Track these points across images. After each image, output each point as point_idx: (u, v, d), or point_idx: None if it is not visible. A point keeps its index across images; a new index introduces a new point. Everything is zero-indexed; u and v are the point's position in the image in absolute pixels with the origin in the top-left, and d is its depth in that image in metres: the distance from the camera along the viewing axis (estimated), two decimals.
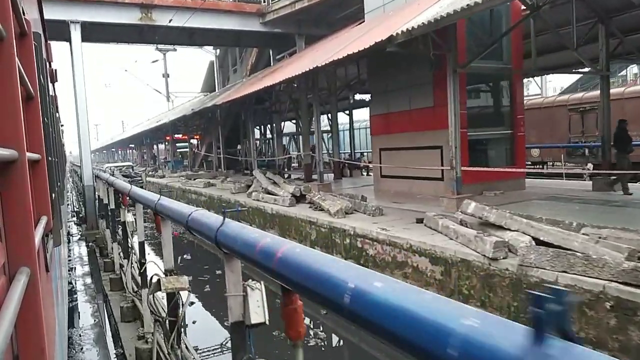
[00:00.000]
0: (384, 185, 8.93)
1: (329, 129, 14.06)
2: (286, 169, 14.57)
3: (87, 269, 7.48)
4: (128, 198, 3.89)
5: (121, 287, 5.11)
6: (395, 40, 4.98)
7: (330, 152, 15.44)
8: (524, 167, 8.10)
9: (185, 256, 9.20)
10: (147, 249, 4.31)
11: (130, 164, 33.45)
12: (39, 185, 1.22)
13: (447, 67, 5.77)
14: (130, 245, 4.71)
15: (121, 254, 5.29)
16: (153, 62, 30.18)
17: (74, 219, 13.20)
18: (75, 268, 7.45)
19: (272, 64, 16.26)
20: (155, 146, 39.41)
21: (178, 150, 29.93)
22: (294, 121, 16.37)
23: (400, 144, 8.42)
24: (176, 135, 28.52)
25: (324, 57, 7.36)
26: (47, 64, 2.69)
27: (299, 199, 7.54)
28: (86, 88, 11.29)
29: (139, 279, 4.26)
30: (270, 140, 19.48)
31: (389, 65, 8.31)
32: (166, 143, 34.59)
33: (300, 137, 15.66)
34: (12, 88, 0.80)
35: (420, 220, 5.01)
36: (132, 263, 4.80)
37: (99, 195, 8.27)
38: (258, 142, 19.34)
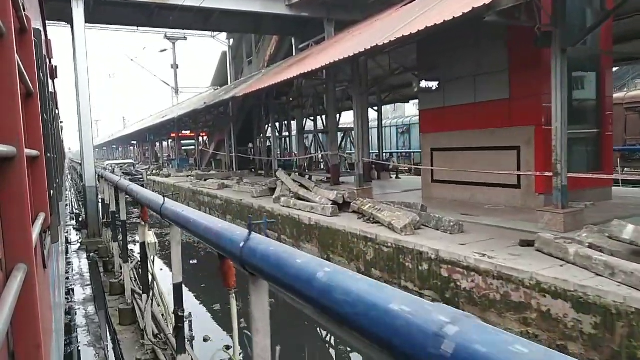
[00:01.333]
0: (436, 191, 8.46)
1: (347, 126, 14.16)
2: (306, 170, 14.39)
3: (88, 291, 6.60)
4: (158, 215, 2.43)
5: (133, 320, 4.37)
6: (498, 5, 4.03)
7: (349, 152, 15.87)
8: (611, 173, 7.36)
9: (191, 261, 9.28)
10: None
11: (131, 161, 35.14)
12: (37, 182, 1.29)
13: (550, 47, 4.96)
14: (151, 276, 3.61)
15: (139, 284, 4.68)
16: (161, 51, 30.17)
17: (73, 222, 12.75)
18: (74, 290, 6.58)
19: (294, 54, 16.08)
20: (157, 144, 41.45)
21: (183, 148, 31.27)
22: (311, 118, 16.16)
23: (460, 144, 7.90)
24: (183, 132, 29.57)
25: (373, 40, 6.84)
26: (47, 60, 2.86)
27: (340, 207, 7.33)
28: (89, 77, 10.46)
29: (165, 325, 3.66)
30: (287, 139, 19.70)
31: (448, 50, 7.82)
32: (170, 140, 36.53)
33: (321, 135, 15.54)
34: (12, 84, 0.85)
35: (527, 243, 4.05)
36: (153, 299, 3.70)
37: (103, 199, 7.89)
38: (264, 140, 19.43)
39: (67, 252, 8.61)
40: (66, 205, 14.91)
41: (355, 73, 8.94)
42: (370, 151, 15.27)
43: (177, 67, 30.94)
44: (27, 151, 0.93)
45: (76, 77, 10.61)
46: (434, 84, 7.97)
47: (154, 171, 24.48)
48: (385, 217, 5.66)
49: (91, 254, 8.44)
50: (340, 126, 13.95)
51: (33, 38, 1.33)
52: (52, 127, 2.74)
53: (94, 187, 9.80)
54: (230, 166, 20.41)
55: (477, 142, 7.33)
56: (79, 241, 10.13)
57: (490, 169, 6.66)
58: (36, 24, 1.68)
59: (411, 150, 19.52)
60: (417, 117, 21.91)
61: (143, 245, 3.54)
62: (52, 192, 1.74)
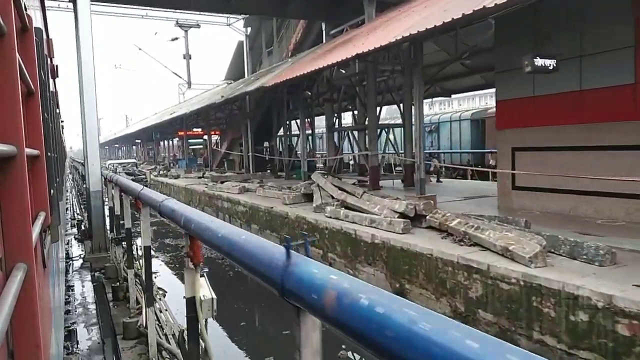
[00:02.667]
0: (519, 201, 8.30)
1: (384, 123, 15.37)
2: (336, 172, 15.02)
3: (94, 333, 5.80)
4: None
5: None
6: None
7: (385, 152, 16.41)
8: None
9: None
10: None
11: (134, 161, 39.58)
12: (37, 181, 1.59)
13: None
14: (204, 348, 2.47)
15: (166, 333, 4.40)
16: (172, 39, 32.58)
17: (74, 230, 13.30)
18: (75, 330, 5.58)
19: (324, 41, 16.78)
20: (162, 143, 46.63)
21: (190, 147, 34.37)
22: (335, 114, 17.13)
23: (556, 142, 7.67)
24: (194, 130, 32.70)
25: (452, 12, 6.81)
26: (48, 59, 3.38)
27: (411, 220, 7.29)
28: (95, 66, 11.09)
29: None
30: (309, 137, 20.96)
31: (540, 25, 7.49)
32: (177, 139, 40.79)
33: (354, 132, 16.36)
34: (13, 83, 1.07)
35: None
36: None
37: (110, 207, 8.18)
38: (285, 138, 20.73)
39: (67, 271, 8.61)
40: (66, 209, 15.71)
41: (418, 56, 9.11)
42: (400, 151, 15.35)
43: (190, 58, 33.29)
44: (27, 150, 1.15)
45: (79, 68, 10.40)
46: (551, 62, 7.24)
47: (161, 172, 26.90)
48: (493, 240, 5.22)
49: (96, 274, 8.26)
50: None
51: (34, 37, 1.63)
52: (53, 127, 3.27)
53: (99, 192, 10.01)
54: (245, 167, 22.05)
55: (582, 140, 7.08)
56: (82, 256, 10.30)
57: (603, 173, 6.41)
58: (37, 23, 2.03)
59: (445, 151, 20.34)
60: (446, 115, 22.80)
61: (192, 304, 2.28)
62: (52, 191, 2.08)
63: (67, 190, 20.72)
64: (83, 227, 12.25)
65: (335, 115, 16.38)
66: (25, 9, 1.45)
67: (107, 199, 9.96)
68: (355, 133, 16.45)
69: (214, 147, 28.56)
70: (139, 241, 5.89)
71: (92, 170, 10.17)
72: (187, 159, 31.45)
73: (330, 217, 8.47)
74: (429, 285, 5.89)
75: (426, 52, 10.18)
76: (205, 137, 32.27)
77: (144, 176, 23.93)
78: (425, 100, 18.14)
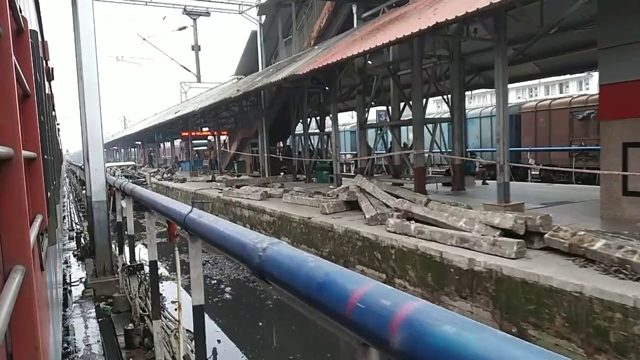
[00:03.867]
0: (634, 209, 7.98)
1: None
2: (368, 174, 15.49)
3: None
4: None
5: None
6: None
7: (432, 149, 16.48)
8: None
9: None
10: None
11: (132, 163, 44.46)
12: (34, 184, 1.87)
13: None
14: None
15: None
16: (180, 29, 34.25)
17: (72, 243, 13.57)
18: None
19: (355, 25, 17.39)
20: (161, 145, 51.32)
21: (194, 148, 37.35)
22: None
23: None
24: (202, 131, 35.94)
25: None
26: (44, 62, 3.98)
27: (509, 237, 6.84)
28: (97, 53, 11.31)
29: None
30: (328, 136, 22.12)
31: None
32: (179, 141, 45.47)
33: (389, 128, 16.91)
34: (9, 86, 1.32)
35: None
36: None
37: (119, 223, 8.15)
38: (305, 137, 21.82)
39: (65, 302, 8.30)
40: (63, 217, 16.34)
41: (501, 30, 9.03)
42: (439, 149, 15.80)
43: (199, 49, 35.00)
44: (24, 153, 1.39)
45: (78, 56, 10.36)
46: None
47: (165, 175, 29.14)
48: None
49: (101, 305, 8.10)
50: (405, 118, 15.31)
51: (30, 40, 1.95)
52: (49, 129, 3.75)
53: (103, 203, 9.87)
54: (260, 169, 23.53)
55: None
56: (83, 280, 10.03)
57: None
58: (32, 25, 2.40)
59: (486, 149, 21.42)
60: (476, 110, 24.22)
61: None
62: (49, 193, 2.46)
63: (63, 196, 22.11)
64: (83, 242, 12.38)
65: (368, 109, 16.97)
66: (21, 11, 1.73)
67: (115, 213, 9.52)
68: (380, 130, 17.58)
69: (222, 149, 30.70)
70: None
71: (94, 176, 9.93)
72: (192, 161, 34.40)
73: (396, 233, 8.05)
74: (574, 334, 5.24)
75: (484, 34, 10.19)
76: (211, 137, 35.97)
77: (143, 179, 25.88)
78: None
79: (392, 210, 9.12)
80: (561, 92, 51.25)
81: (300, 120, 22.21)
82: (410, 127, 15.74)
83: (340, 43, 14.65)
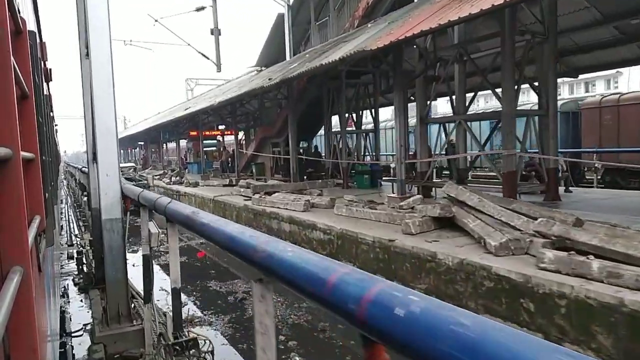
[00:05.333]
0: None
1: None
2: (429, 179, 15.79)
3: None
4: None
5: None
6: None
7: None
8: None
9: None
10: None
11: (132, 164, 47.66)
12: (32, 185, 2.18)
13: None
14: None
15: None
16: (198, 9, 35.08)
17: (72, 264, 12.78)
18: None
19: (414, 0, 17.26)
20: (164, 146, 55.58)
21: (205, 149, 39.57)
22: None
23: None
24: (219, 129, 38.12)
25: None
26: (42, 62, 4.54)
27: None
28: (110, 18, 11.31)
29: None
30: (368, 135, 22.92)
31: None
32: (186, 140, 48.39)
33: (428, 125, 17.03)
34: (7, 87, 1.56)
35: None
36: None
37: (146, 257, 7.06)
38: (342, 136, 22.22)
39: None
40: (61, 227, 16.77)
41: None
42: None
43: (220, 34, 35.88)
44: (22, 154, 1.66)
45: (81, 22, 10.56)
46: None
47: (172, 178, 30.73)
48: None
49: None
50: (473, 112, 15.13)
51: (28, 40, 2.30)
52: (47, 130, 4.23)
53: (118, 222, 8.15)
54: (277, 171, 24.27)
55: None
56: (89, 328, 8.58)
57: None
58: (30, 26, 2.77)
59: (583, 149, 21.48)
60: (524, 107, 23.98)
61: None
62: (47, 194, 2.83)
63: (61, 201, 23.14)
64: (85, 261, 11.41)
65: (429, 102, 16.71)
66: (19, 12, 2.05)
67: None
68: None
69: (239, 149, 31.95)
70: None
71: (105, 185, 8.24)
72: (204, 162, 36.72)
73: (560, 273, 6.79)
74: None
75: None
76: (219, 137, 38.37)
77: (145, 181, 27.29)
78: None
79: (527, 234, 8.14)
80: (587, 91, 54.43)
81: (332, 117, 22.79)
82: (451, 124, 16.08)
83: (415, 15, 14.29)
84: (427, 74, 16.28)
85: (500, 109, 13.06)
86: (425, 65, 15.86)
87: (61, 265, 12.76)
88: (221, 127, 38.14)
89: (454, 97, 15.91)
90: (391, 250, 9.77)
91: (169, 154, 58.77)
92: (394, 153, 16.75)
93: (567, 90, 56.08)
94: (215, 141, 41.41)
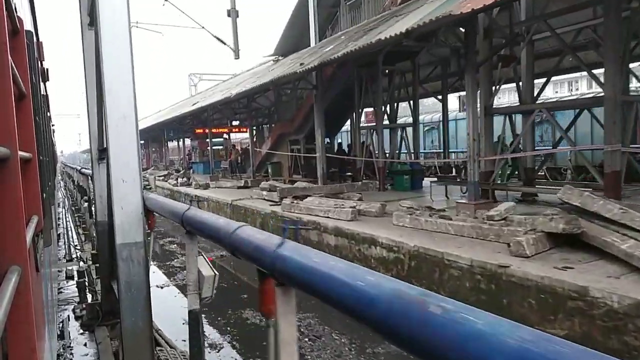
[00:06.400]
0: None
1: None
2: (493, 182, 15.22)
3: None
4: None
5: None
6: None
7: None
8: None
9: None
10: None
11: None
12: (30, 184, 2.50)
13: None
14: None
15: None
16: None
17: (71, 286, 11.87)
18: None
19: None
20: (166, 144, 58.59)
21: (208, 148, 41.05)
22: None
23: None
24: (232, 125, 39.77)
25: None
26: (39, 62, 5.01)
27: None
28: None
29: None
30: (404, 129, 23.27)
31: None
32: (191, 139, 50.73)
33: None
34: (5, 86, 1.74)
35: None
36: None
37: (193, 312, 5.36)
38: (379, 131, 22.29)
39: None
40: (58, 235, 17.32)
41: None
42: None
43: (237, 16, 36.21)
44: (20, 153, 1.87)
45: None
46: None
47: (179, 179, 31.65)
48: None
49: None
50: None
51: (25, 40, 2.58)
52: (44, 130, 4.60)
53: (140, 248, 6.58)
54: (295, 171, 24.96)
55: None
56: None
57: None
58: (27, 26, 3.07)
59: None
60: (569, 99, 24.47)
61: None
62: (44, 194, 3.13)
63: (58, 204, 23.77)
64: (89, 289, 10.93)
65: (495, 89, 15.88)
66: (16, 11, 2.33)
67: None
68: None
69: (246, 147, 32.73)
70: None
71: (121, 194, 6.57)
72: (212, 162, 38.08)
73: None
74: None
75: None
76: (225, 135, 39.96)
77: (147, 182, 28.34)
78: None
79: None
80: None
81: (362, 110, 23.12)
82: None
83: None
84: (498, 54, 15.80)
85: (588, 96, 12.72)
86: (490, 45, 15.39)
87: (59, 288, 11.80)
88: (235, 123, 39.41)
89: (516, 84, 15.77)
90: (503, 279, 8.43)
91: (169, 154, 61.68)
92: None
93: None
94: (221, 139, 42.83)
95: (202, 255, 5.39)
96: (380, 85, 21.18)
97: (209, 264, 5.11)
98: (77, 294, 11.14)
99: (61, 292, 11.73)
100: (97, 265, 9.62)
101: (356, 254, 12.30)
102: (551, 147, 20.52)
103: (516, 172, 17.29)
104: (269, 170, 29.74)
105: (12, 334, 1.79)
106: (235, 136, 45.01)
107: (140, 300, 6.58)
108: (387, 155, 22.14)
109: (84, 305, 10.09)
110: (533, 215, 10.42)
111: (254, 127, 35.19)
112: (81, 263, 14.23)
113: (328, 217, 14.14)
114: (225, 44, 33.20)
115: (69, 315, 10.18)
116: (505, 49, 15.96)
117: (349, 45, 16.94)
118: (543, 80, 17.44)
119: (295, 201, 16.43)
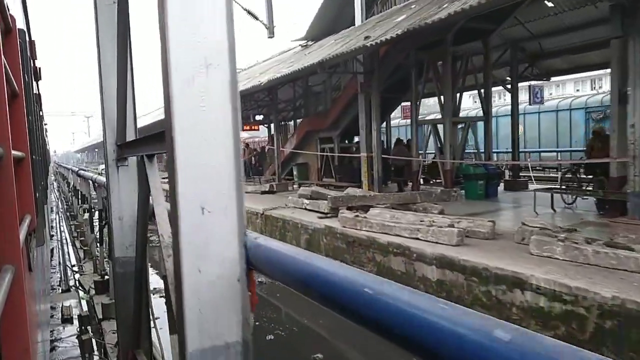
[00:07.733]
0: None
1: None
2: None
3: None
4: None
5: None
6: None
7: None
8: None
9: None
10: None
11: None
12: (23, 184, 2.89)
13: None
14: None
15: None
16: None
17: (70, 331, 10.55)
18: None
19: None
20: None
21: None
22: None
23: None
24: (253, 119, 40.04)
25: None
26: (32, 61, 5.75)
27: None
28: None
29: None
30: (466, 126, 22.50)
31: None
32: None
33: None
34: None
35: None
36: None
37: None
38: (433, 127, 22.99)
39: None
40: (51, 250, 17.69)
41: None
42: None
43: None
44: (12, 153, 2.18)
45: None
46: None
47: None
48: None
49: None
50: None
51: (18, 39, 2.96)
52: (37, 129, 5.19)
53: (237, 350, 1.81)
54: (325, 174, 25.46)
55: None
56: None
57: None
58: (20, 24, 3.48)
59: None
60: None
61: None
62: (37, 194, 3.55)
63: (51, 210, 24.82)
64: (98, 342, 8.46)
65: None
66: (8, 10, 2.68)
67: None
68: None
69: (269, 146, 33.47)
70: None
71: (195, 237, 2.25)
72: None
73: None
74: None
75: None
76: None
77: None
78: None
79: None
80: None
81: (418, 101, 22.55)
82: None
83: None
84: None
85: None
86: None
87: (51, 342, 10.12)
88: (258, 117, 39.81)
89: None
90: None
91: None
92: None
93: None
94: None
95: None
96: (449, 70, 20.93)
97: None
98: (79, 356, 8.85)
99: (55, 348, 10.02)
100: (117, 329, 5.94)
101: (481, 298, 10.07)
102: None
103: None
104: (294, 173, 29.96)
105: (5, 333, 2.06)
106: (242, 135, 45.47)
107: None
108: (455, 156, 20.94)
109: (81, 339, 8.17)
110: None
111: (274, 123, 35.32)
112: (81, 293, 12.67)
113: (417, 239, 12.21)
114: (257, 19, 33.23)
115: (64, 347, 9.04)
116: None
117: (439, 12, 15.25)
118: None
119: (362, 216, 14.48)
